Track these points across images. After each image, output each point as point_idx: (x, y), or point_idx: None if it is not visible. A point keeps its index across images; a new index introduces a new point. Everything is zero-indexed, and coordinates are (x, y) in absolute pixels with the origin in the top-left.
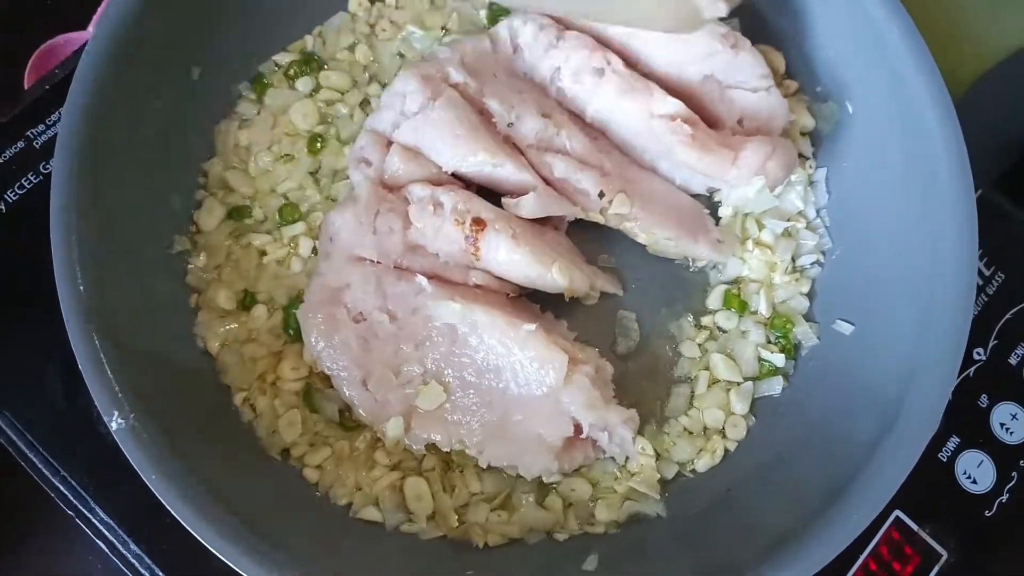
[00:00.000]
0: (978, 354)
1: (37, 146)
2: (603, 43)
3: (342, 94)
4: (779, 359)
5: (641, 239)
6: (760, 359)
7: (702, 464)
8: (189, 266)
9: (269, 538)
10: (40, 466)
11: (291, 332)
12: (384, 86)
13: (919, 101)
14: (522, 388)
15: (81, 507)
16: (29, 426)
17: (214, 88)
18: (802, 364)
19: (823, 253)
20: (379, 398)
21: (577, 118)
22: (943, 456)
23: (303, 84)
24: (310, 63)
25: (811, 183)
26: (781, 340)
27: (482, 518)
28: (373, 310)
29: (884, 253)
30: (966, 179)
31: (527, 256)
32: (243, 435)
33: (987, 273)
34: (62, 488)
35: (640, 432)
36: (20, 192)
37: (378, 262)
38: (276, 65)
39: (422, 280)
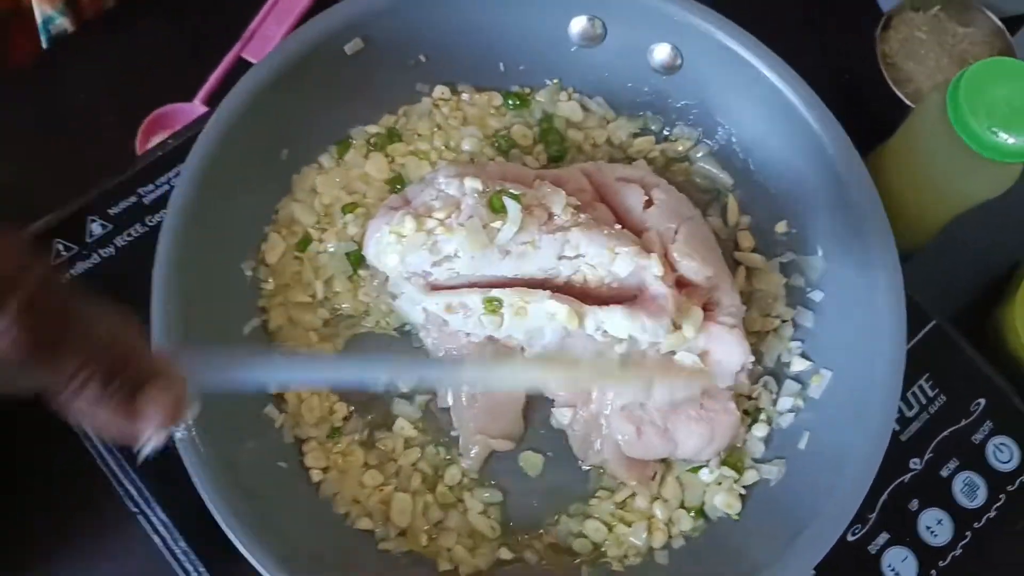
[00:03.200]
0: (914, 463)
1: (147, 202)
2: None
3: (417, 157)
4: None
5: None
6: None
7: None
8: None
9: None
10: (114, 467)
11: None
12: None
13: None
14: None
15: (143, 505)
16: None
17: (296, 164)
18: None
19: (803, 399)
20: None
21: None
22: (872, 549)
23: (374, 159)
24: (392, 138)
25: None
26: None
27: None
28: None
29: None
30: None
31: None
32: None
33: (931, 394)
34: (129, 487)
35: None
36: (128, 239)
37: None
38: (365, 132)
39: None
